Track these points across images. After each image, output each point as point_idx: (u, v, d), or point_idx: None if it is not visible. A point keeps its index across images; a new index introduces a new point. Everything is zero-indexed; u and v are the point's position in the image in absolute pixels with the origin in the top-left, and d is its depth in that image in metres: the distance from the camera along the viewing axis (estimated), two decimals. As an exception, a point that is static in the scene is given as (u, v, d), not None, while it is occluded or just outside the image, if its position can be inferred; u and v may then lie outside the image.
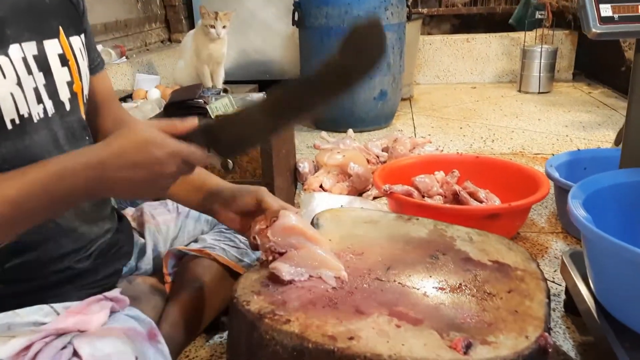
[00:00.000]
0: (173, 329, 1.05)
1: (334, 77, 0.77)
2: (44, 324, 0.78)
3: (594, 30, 1.07)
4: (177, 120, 0.75)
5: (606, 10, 1.07)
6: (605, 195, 1.05)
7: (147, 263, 1.13)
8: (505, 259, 0.98)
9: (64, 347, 0.73)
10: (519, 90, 3.65)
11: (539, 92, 3.55)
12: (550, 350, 0.77)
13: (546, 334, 0.78)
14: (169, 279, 1.12)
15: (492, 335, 0.77)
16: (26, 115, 0.80)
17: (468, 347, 0.74)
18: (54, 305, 0.82)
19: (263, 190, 0.99)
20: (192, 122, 0.75)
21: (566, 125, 2.77)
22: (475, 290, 0.88)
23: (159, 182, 0.72)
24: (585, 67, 4.01)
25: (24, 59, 0.80)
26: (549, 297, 0.88)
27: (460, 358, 0.72)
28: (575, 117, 2.92)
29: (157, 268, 1.14)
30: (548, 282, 1.30)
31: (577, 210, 0.93)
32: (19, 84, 0.79)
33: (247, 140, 0.84)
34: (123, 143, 0.71)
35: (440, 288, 0.89)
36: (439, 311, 0.83)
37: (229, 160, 1.55)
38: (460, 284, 0.90)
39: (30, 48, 0.82)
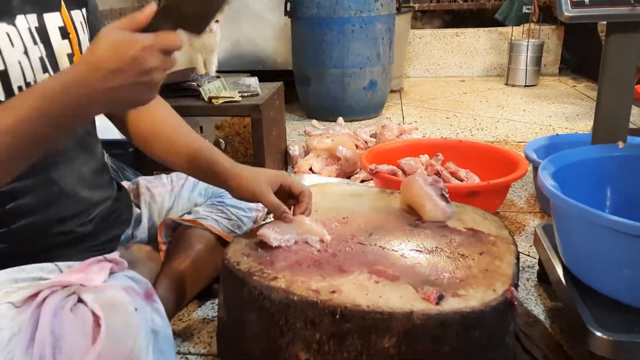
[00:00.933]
0: (167, 293, 1.11)
1: None
2: (47, 279, 0.84)
3: (566, 13, 1.13)
4: (136, 13, 0.71)
5: (578, -6, 1.14)
6: (574, 169, 1.12)
7: (142, 232, 1.19)
8: (479, 227, 1.05)
9: (68, 295, 0.79)
10: (506, 84, 3.72)
11: (526, 85, 3.62)
12: (516, 303, 0.84)
13: (512, 288, 0.84)
14: (163, 247, 1.18)
15: (462, 289, 0.84)
16: (32, 83, 0.85)
17: (440, 299, 0.81)
18: (58, 263, 0.88)
19: (285, 176, 1.04)
20: (150, 9, 0.72)
21: (550, 116, 2.84)
22: (449, 252, 0.95)
23: (146, 79, 0.70)
24: (571, 61, 4.09)
25: (29, 30, 0.85)
26: (517, 258, 0.94)
27: (432, 308, 0.79)
28: (559, 109, 2.99)
29: (152, 237, 1.20)
30: (524, 255, 1.38)
31: (546, 179, 1.00)
32: (26, 52, 0.84)
33: (209, 5, 0.79)
34: (96, 55, 0.69)
35: (417, 250, 0.95)
36: (415, 269, 0.90)
37: (220, 140, 1.61)
38: (436, 247, 0.97)
39: (32, 20, 0.87)
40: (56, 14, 0.91)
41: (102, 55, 0.68)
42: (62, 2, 0.93)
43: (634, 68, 1.18)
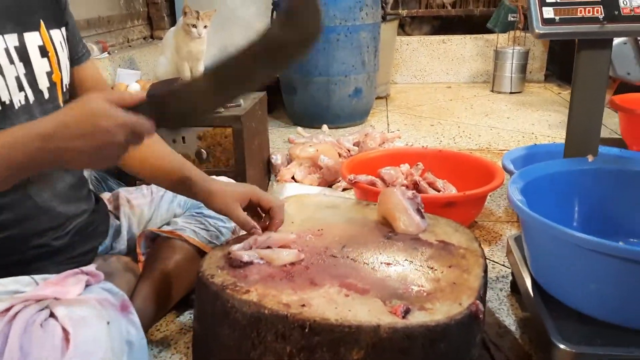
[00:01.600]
0: (144, 303, 1.12)
1: (274, 51, 0.80)
2: (24, 292, 0.86)
3: (537, 30, 1.16)
4: (126, 92, 0.79)
5: (548, 12, 1.16)
6: (543, 182, 1.15)
7: (121, 243, 1.20)
8: (451, 239, 1.07)
9: (41, 310, 0.81)
10: (492, 90, 3.76)
11: (511, 92, 3.66)
12: (481, 316, 0.87)
13: (478, 302, 0.87)
14: (142, 258, 1.19)
15: (429, 303, 0.86)
16: (7, 102, 0.87)
17: (406, 312, 0.83)
18: (34, 276, 0.90)
19: (254, 191, 1.08)
20: (140, 95, 0.78)
21: (533, 124, 2.88)
22: (419, 265, 0.97)
23: (108, 151, 0.74)
24: (556, 69, 4.13)
25: (6, 50, 0.87)
26: (485, 271, 0.97)
27: (399, 321, 0.81)
28: (542, 116, 3.03)
29: (131, 248, 1.21)
30: (499, 265, 1.41)
31: (514, 194, 1.03)
32: (1, 72, 0.86)
33: (193, 112, 0.85)
34: (71, 114, 0.73)
35: (388, 263, 0.98)
36: (385, 282, 0.92)
37: (202, 150, 1.63)
38: (406, 260, 0.99)
39: (12, 40, 0.89)
40: (35, 34, 0.93)
41: (76, 117, 0.73)
42: (42, 22, 0.95)
43: (604, 84, 1.21)
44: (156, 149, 1.09)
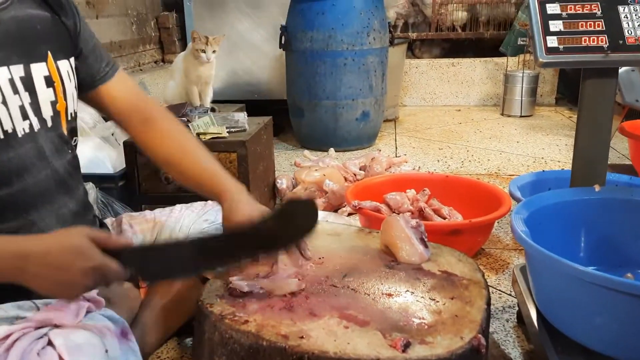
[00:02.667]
0: (145, 330, 1.12)
1: (265, 239, 0.86)
2: (25, 317, 0.86)
3: (540, 59, 1.16)
4: (113, 234, 0.83)
5: (552, 41, 1.16)
6: (548, 212, 1.14)
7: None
8: (453, 270, 1.06)
9: (39, 338, 0.80)
10: (502, 114, 3.75)
11: (521, 116, 3.65)
12: (483, 351, 0.85)
13: (480, 335, 0.85)
14: (143, 284, 1.19)
15: (430, 336, 0.85)
16: (10, 131, 0.89)
17: (406, 346, 0.82)
18: (36, 301, 0.90)
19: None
20: (125, 242, 0.85)
21: (543, 148, 2.86)
22: (421, 296, 0.96)
23: (74, 288, 0.80)
24: (567, 92, 4.12)
25: (11, 80, 0.89)
26: (488, 303, 0.95)
27: (398, 355, 0.80)
28: (553, 141, 3.02)
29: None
30: (505, 294, 1.39)
31: (518, 225, 1.01)
32: (4, 102, 0.88)
33: (170, 273, 0.92)
34: (53, 243, 0.79)
35: (389, 294, 0.96)
36: (385, 314, 0.90)
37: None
38: (408, 291, 0.98)
39: (18, 70, 0.91)
40: (42, 64, 0.95)
41: (57, 249, 0.78)
42: (49, 53, 0.97)
43: (610, 112, 1.20)
44: (191, 155, 1.10)
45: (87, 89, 1.09)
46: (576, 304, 0.93)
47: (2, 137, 0.87)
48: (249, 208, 1.02)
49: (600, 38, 1.14)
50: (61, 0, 1.02)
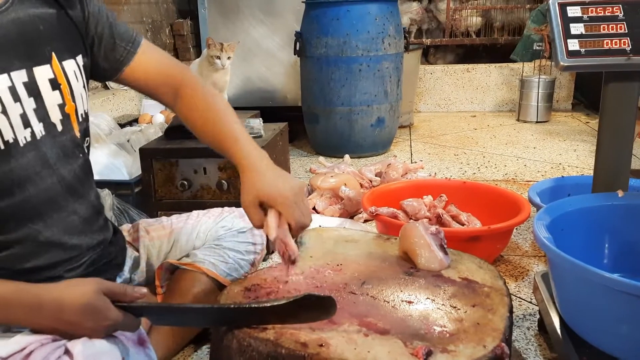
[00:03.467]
0: (162, 337, 1.11)
1: (281, 318, 0.87)
2: None
3: (561, 63, 1.14)
4: (129, 287, 0.86)
5: (573, 44, 1.14)
6: (572, 218, 1.11)
7: (140, 275, 1.19)
8: (474, 277, 1.04)
9: (57, 348, 0.80)
10: (518, 119, 3.71)
11: (537, 122, 3.61)
12: (506, 359, 0.83)
13: (503, 344, 0.83)
14: (160, 290, 1.19)
15: (452, 345, 0.83)
16: (11, 141, 0.86)
17: (428, 355, 0.80)
18: None
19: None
20: (140, 292, 0.86)
21: (560, 154, 2.83)
22: (442, 303, 0.94)
23: (82, 337, 0.83)
24: (584, 97, 4.08)
25: (11, 88, 0.86)
26: (511, 311, 0.93)
27: (420, 364, 0.78)
28: (570, 146, 2.98)
29: (150, 280, 1.21)
30: (526, 302, 1.36)
31: (540, 231, 0.99)
32: (4, 112, 0.85)
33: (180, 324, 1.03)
34: (67, 300, 0.82)
35: (409, 301, 0.95)
36: (406, 322, 0.89)
37: (223, 181, 1.63)
38: (428, 298, 0.96)
39: (20, 76, 0.87)
40: (46, 67, 0.92)
41: (71, 306, 0.81)
42: (54, 54, 0.93)
43: (633, 117, 1.18)
44: (215, 117, 1.09)
45: (113, 74, 1.07)
46: (601, 311, 0.91)
47: (2, 147, 0.85)
48: (269, 179, 1.00)
49: (622, 41, 1.12)
50: None
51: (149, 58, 1.10)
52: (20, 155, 0.88)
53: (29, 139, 0.89)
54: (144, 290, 0.86)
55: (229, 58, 2.39)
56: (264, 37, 3.25)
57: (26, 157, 0.89)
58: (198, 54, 3.51)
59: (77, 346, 0.79)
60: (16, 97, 0.86)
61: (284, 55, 3.22)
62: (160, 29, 3.45)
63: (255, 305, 0.87)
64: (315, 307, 0.85)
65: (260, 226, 0.98)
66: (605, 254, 1.15)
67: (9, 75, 0.86)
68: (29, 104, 0.88)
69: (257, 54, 3.26)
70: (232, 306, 0.89)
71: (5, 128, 0.85)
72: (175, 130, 1.74)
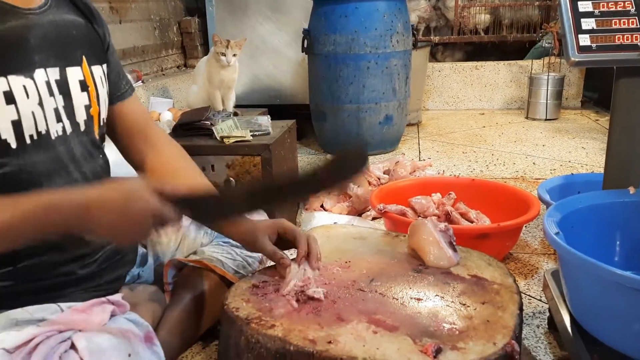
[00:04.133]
0: (170, 334, 1.11)
1: (314, 183, 0.87)
2: (49, 320, 0.85)
3: (572, 58, 1.13)
4: (168, 184, 0.84)
5: (585, 39, 1.13)
6: (583, 215, 1.10)
7: (148, 272, 1.19)
8: (483, 274, 1.03)
9: (62, 341, 0.80)
10: (527, 117, 3.69)
11: (546, 119, 3.59)
12: (517, 357, 0.82)
13: (513, 341, 0.83)
14: (168, 288, 1.18)
15: (462, 342, 0.82)
16: (44, 132, 0.90)
17: (438, 352, 0.79)
18: (60, 304, 0.90)
19: (281, 224, 1.09)
20: (181, 191, 0.84)
21: (569, 152, 2.81)
22: (451, 301, 0.94)
23: (132, 232, 0.81)
24: (593, 95, 4.05)
25: (47, 83, 0.90)
26: (521, 309, 0.93)
27: (430, 361, 0.78)
28: (579, 144, 2.96)
29: (158, 277, 1.20)
30: (535, 300, 1.35)
31: (550, 228, 0.98)
32: (40, 104, 0.89)
33: (222, 216, 0.94)
34: (111, 190, 0.79)
35: (418, 299, 0.94)
36: (415, 319, 0.88)
37: (230, 178, 1.63)
38: (437, 295, 0.95)
39: (54, 73, 0.92)
40: (77, 69, 0.97)
41: (115, 194, 0.78)
42: (84, 58, 0.99)
43: (644, 112, 1.16)
44: (190, 178, 1.13)
45: (108, 103, 1.10)
46: (613, 309, 0.89)
47: (35, 138, 0.88)
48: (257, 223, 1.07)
49: (634, 36, 1.10)
50: (92, 9, 1.05)
51: (138, 106, 1.17)
52: (52, 147, 0.91)
53: (60, 133, 0.93)
54: (181, 188, 0.85)
55: (234, 55, 2.39)
56: (271, 34, 3.25)
57: (57, 150, 0.92)
58: (206, 51, 3.51)
59: (82, 340, 0.79)
60: (51, 92, 0.91)
61: (291, 53, 3.22)
62: (168, 27, 3.45)
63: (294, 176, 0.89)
64: (349, 162, 0.86)
65: (278, 256, 1.05)
66: (616, 251, 1.14)
67: (46, 71, 0.91)
68: (60, 100, 0.93)
69: (265, 51, 3.25)
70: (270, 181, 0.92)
71: (40, 119, 0.89)
72: (184, 128, 1.75)
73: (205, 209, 0.89)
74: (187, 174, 1.14)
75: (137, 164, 1.15)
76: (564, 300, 1.06)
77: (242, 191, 0.92)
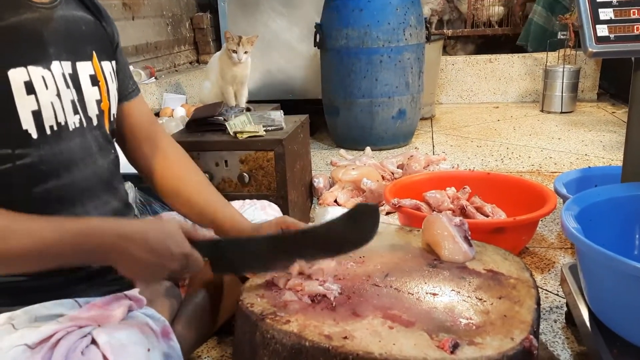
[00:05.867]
0: (186, 329, 1.11)
1: (334, 241, 0.93)
2: (67, 315, 0.86)
3: (590, 49, 1.11)
4: (197, 228, 0.89)
5: (602, 30, 1.11)
6: (601, 208, 1.08)
7: (163, 268, 1.20)
8: (500, 268, 1.02)
9: (83, 336, 0.81)
10: (542, 110, 3.65)
11: (562, 112, 3.55)
12: (535, 352, 0.81)
13: (531, 336, 0.81)
14: (184, 283, 1.19)
15: (479, 337, 0.81)
16: (63, 123, 0.90)
17: (455, 347, 0.79)
18: (78, 299, 0.90)
19: (284, 220, 1.09)
20: (209, 234, 0.89)
21: (586, 145, 2.77)
22: (467, 295, 0.93)
23: (161, 272, 0.84)
24: (610, 87, 3.99)
25: (63, 75, 0.91)
26: (538, 303, 0.91)
27: (447, 357, 0.77)
28: (596, 137, 2.92)
29: (172, 273, 1.21)
30: (552, 295, 1.34)
31: (569, 221, 0.97)
32: (59, 95, 0.89)
33: (243, 268, 0.99)
34: (152, 228, 0.83)
35: (434, 294, 0.93)
36: (431, 314, 0.88)
37: (244, 174, 1.63)
38: (453, 290, 0.94)
39: (66, 67, 0.93)
40: (88, 63, 0.98)
41: (155, 233, 0.83)
42: (94, 53, 0.99)
43: (664, 103, 1.14)
44: (201, 192, 1.15)
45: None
46: (633, 303, 0.88)
47: (55, 128, 0.89)
48: (260, 226, 1.09)
49: (653, 25, 1.08)
50: (100, 8, 1.06)
51: (143, 108, 1.18)
52: (70, 139, 0.92)
53: (77, 125, 0.94)
54: (212, 232, 0.90)
55: (245, 52, 2.38)
56: (283, 29, 3.24)
57: (75, 141, 0.93)
58: (218, 47, 3.52)
59: (103, 336, 0.80)
60: (67, 85, 0.92)
61: (304, 48, 3.21)
62: (180, 23, 3.46)
63: (317, 230, 0.94)
64: (366, 221, 0.93)
65: None
66: (635, 245, 1.12)
67: (60, 64, 0.91)
68: (74, 94, 0.94)
69: (277, 46, 3.25)
70: (292, 232, 0.96)
71: (59, 110, 0.90)
72: (197, 123, 1.75)
73: (228, 258, 0.94)
74: (193, 179, 1.16)
75: (142, 166, 1.16)
76: (582, 295, 1.05)
77: (269, 244, 0.95)
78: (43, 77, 0.87)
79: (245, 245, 0.96)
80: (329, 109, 2.92)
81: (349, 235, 0.92)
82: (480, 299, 0.91)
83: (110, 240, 0.80)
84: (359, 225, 0.92)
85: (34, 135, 0.86)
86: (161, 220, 0.85)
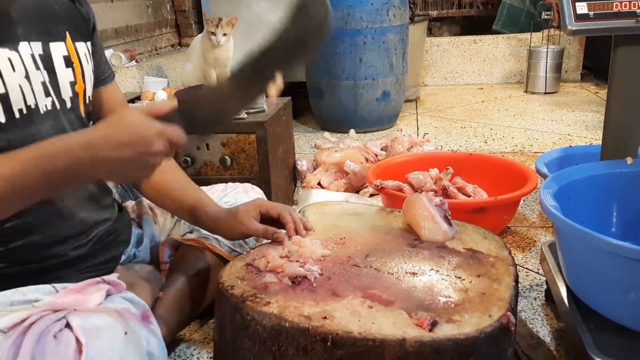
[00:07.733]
0: (167, 313, 1.11)
1: (289, 45, 0.85)
2: (43, 300, 0.85)
3: (569, 27, 1.11)
4: (156, 102, 0.80)
5: (582, 7, 1.11)
6: (580, 186, 1.09)
7: (144, 252, 1.19)
8: (479, 247, 1.03)
9: (57, 320, 0.80)
10: (526, 91, 3.67)
11: (545, 93, 3.56)
12: (512, 328, 0.82)
13: (509, 313, 0.82)
14: (165, 267, 1.18)
15: (457, 315, 0.82)
16: (33, 106, 0.88)
17: (433, 325, 0.79)
18: (55, 285, 0.89)
19: (261, 203, 1.10)
20: (169, 104, 0.80)
21: (569, 125, 2.79)
22: (446, 274, 0.93)
23: (145, 160, 0.75)
24: (594, 67, 4.01)
25: (32, 56, 0.89)
26: (516, 281, 0.92)
27: (425, 335, 0.77)
28: (579, 117, 2.94)
29: (154, 257, 1.20)
30: (533, 273, 1.35)
31: (547, 199, 0.98)
32: (27, 77, 0.87)
33: (220, 116, 0.88)
34: (111, 125, 0.75)
35: (413, 273, 0.94)
36: (410, 293, 0.88)
37: (226, 157, 1.62)
38: (432, 269, 0.95)
39: (37, 48, 0.90)
40: (61, 44, 0.95)
41: (116, 129, 0.74)
42: (67, 34, 0.97)
43: (642, 81, 1.15)
44: (172, 179, 1.14)
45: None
46: (609, 279, 0.89)
47: (25, 112, 0.87)
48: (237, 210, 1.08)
49: (632, 3, 1.08)
50: None
51: (117, 93, 1.16)
52: (41, 122, 0.90)
53: (49, 107, 0.91)
54: (171, 104, 0.81)
55: (225, 35, 2.34)
56: (266, 11, 3.20)
57: (46, 125, 0.91)
58: (200, 29, 3.46)
59: (77, 319, 0.79)
60: (37, 66, 0.89)
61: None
62: (161, 5, 3.41)
63: (269, 42, 0.86)
64: (314, 13, 0.85)
65: (271, 232, 1.06)
66: (613, 222, 1.13)
67: (30, 45, 0.89)
68: (45, 76, 0.91)
69: (259, 28, 3.21)
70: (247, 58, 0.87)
71: (28, 93, 0.87)
72: (177, 107, 1.73)
73: (200, 114, 0.84)
74: (181, 188, 1.15)
75: None
76: (561, 272, 1.06)
77: (231, 82, 0.87)
78: (9, 59, 0.85)
79: (210, 94, 0.88)
80: (312, 92, 2.91)
81: (306, 24, 0.84)
82: (459, 278, 0.92)
83: (77, 155, 0.73)
84: (309, 13, 0.84)
85: (2, 119, 0.84)
86: (117, 115, 0.76)
